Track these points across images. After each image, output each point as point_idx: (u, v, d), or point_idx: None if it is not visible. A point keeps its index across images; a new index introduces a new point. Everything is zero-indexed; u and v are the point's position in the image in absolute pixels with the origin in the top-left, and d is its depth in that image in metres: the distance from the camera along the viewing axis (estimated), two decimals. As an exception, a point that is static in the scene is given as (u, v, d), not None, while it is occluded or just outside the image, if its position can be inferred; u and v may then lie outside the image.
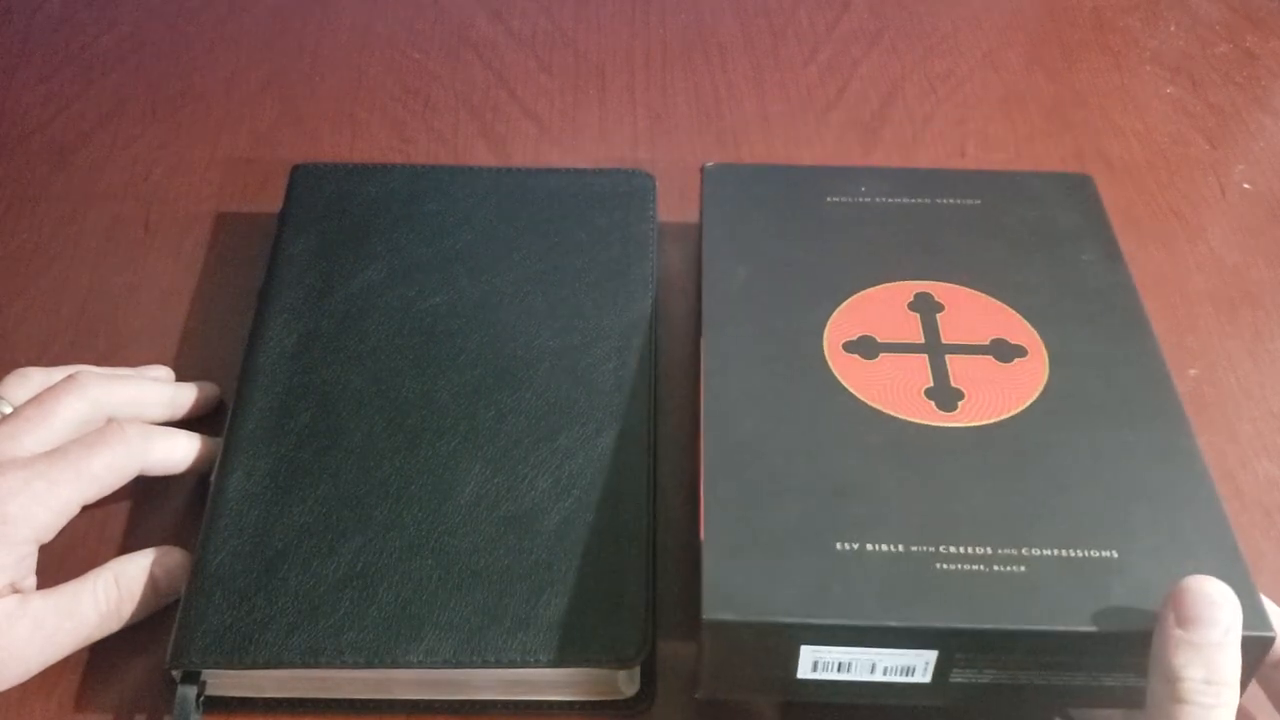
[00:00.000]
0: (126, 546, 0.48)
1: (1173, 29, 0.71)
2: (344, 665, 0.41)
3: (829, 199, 0.54)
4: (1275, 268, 0.59)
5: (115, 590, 0.43)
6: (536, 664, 0.41)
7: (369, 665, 0.41)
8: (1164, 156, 0.64)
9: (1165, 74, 0.69)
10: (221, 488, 0.45)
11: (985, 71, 0.69)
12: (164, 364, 0.53)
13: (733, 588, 0.38)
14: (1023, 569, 0.39)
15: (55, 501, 0.42)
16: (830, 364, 0.46)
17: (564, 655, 0.41)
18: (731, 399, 0.45)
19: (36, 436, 0.44)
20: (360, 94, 0.66)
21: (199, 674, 0.42)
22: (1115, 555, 0.40)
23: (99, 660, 0.45)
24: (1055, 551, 0.40)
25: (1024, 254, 0.51)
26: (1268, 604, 0.39)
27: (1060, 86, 0.68)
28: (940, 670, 0.39)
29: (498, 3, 0.72)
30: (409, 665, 0.41)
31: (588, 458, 0.46)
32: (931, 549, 0.40)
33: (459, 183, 0.56)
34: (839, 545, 0.40)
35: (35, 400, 0.45)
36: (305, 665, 0.41)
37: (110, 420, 0.46)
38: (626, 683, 0.43)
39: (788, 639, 0.38)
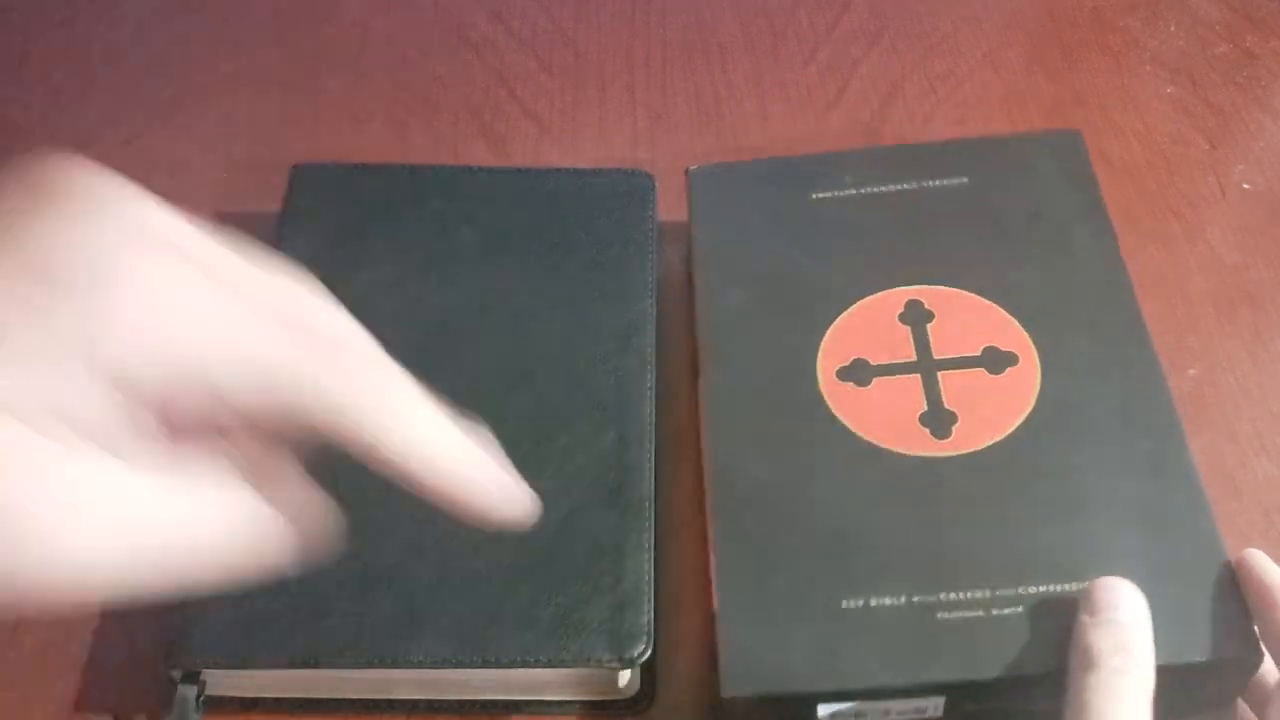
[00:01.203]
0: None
1: (1173, 29, 0.71)
2: (344, 665, 0.41)
3: (814, 195, 0.53)
4: (1275, 268, 0.59)
5: (259, 516, 0.27)
6: (537, 664, 0.41)
7: (369, 665, 0.41)
8: (1164, 156, 0.64)
9: (1165, 74, 0.69)
10: (221, 488, 0.45)
11: (985, 71, 0.69)
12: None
13: (748, 662, 0.40)
14: (1020, 610, 0.40)
15: (236, 334, 0.25)
16: (825, 396, 0.46)
17: (564, 655, 0.41)
18: (732, 450, 0.45)
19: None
20: (360, 94, 0.66)
21: (199, 674, 0.42)
22: None
23: (99, 660, 0.45)
24: (1051, 588, 0.40)
25: (1013, 241, 0.50)
26: None
27: (1060, 86, 0.68)
28: (950, 707, 0.40)
29: (498, 3, 0.72)
30: (409, 665, 0.41)
31: (588, 457, 0.46)
32: (933, 598, 0.40)
33: (459, 183, 0.56)
34: (845, 603, 0.41)
35: None
36: (305, 665, 0.41)
37: None
38: (627, 683, 0.43)
39: (804, 702, 0.40)
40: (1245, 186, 0.63)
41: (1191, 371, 0.55)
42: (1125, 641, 0.37)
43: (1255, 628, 0.40)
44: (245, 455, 0.27)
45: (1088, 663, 0.37)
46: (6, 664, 0.45)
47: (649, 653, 0.42)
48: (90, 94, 0.66)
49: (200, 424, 0.25)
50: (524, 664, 0.41)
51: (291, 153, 0.62)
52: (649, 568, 0.44)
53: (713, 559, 0.42)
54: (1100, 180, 0.55)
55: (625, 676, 0.43)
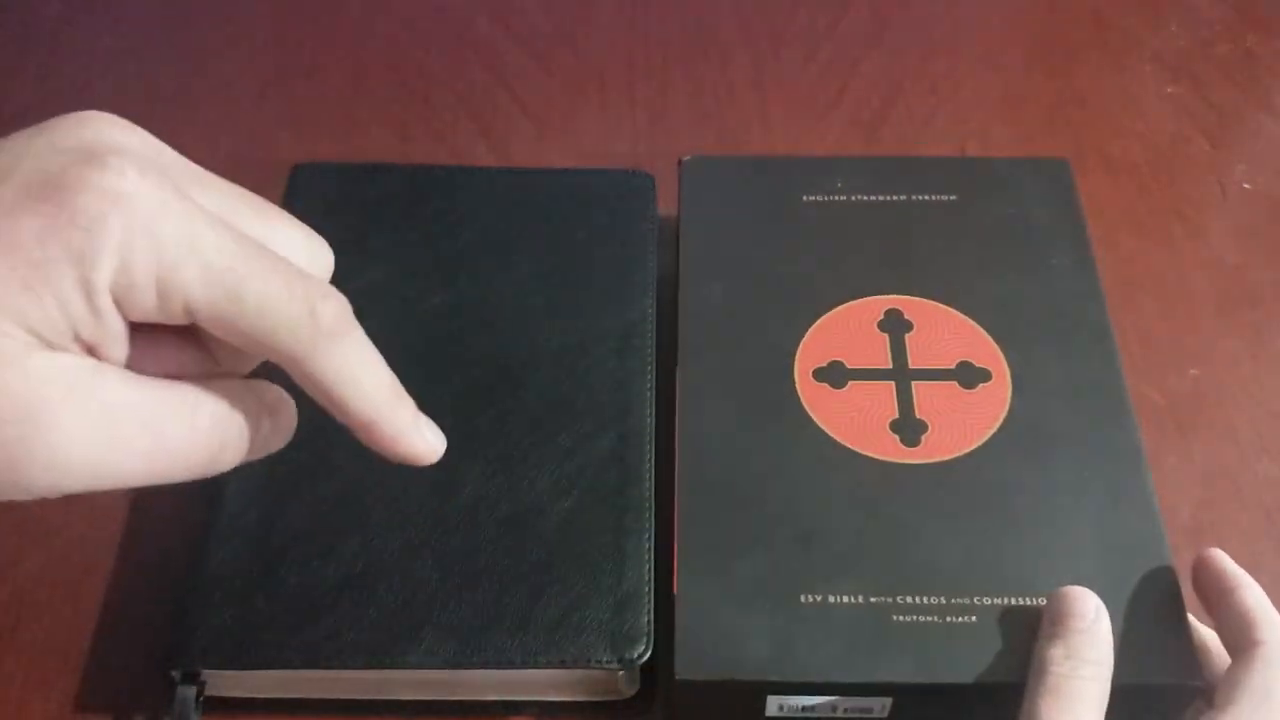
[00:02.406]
0: (124, 546, 0.48)
1: (1173, 28, 0.71)
2: (344, 666, 0.41)
3: (805, 197, 0.54)
4: (1275, 268, 0.59)
5: (230, 415, 0.29)
6: (536, 665, 0.41)
7: (369, 666, 0.41)
8: (1164, 156, 0.64)
9: (1166, 74, 0.69)
10: (221, 487, 0.45)
11: (985, 71, 0.69)
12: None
13: (704, 647, 0.40)
14: (973, 619, 0.41)
15: (211, 248, 0.26)
16: (800, 395, 0.47)
17: (564, 656, 0.41)
18: (705, 438, 0.46)
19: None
20: (360, 94, 0.66)
21: (199, 674, 0.42)
22: None
23: (99, 660, 0.45)
24: (1005, 600, 0.41)
25: (995, 261, 0.52)
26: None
27: (1060, 86, 0.68)
28: (897, 710, 0.41)
29: (498, 3, 0.72)
30: (408, 666, 0.41)
31: (588, 458, 0.46)
32: (889, 600, 0.41)
33: (459, 183, 0.56)
34: (804, 598, 0.42)
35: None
36: (305, 665, 0.41)
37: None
38: (627, 683, 0.43)
39: (755, 691, 0.41)
40: (1246, 186, 0.63)
41: (1192, 371, 0.55)
42: (1076, 649, 0.38)
43: (1208, 631, 0.41)
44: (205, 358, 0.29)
45: (1038, 670, 0.38)
46: (6, 664, 0.45)
47: (649, 654, 0.42)
48: (90, 94, 0.66)
49: (162, 326, 0.27)
50: (524, 665, 0.41)
51: (291, 153, 0.62)
52: (649, 568, 0.44)
53: (677, 544, 0.43)
54: (1100, 180, 0.56)
55: (625, 677, 0.43)
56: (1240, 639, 0.39)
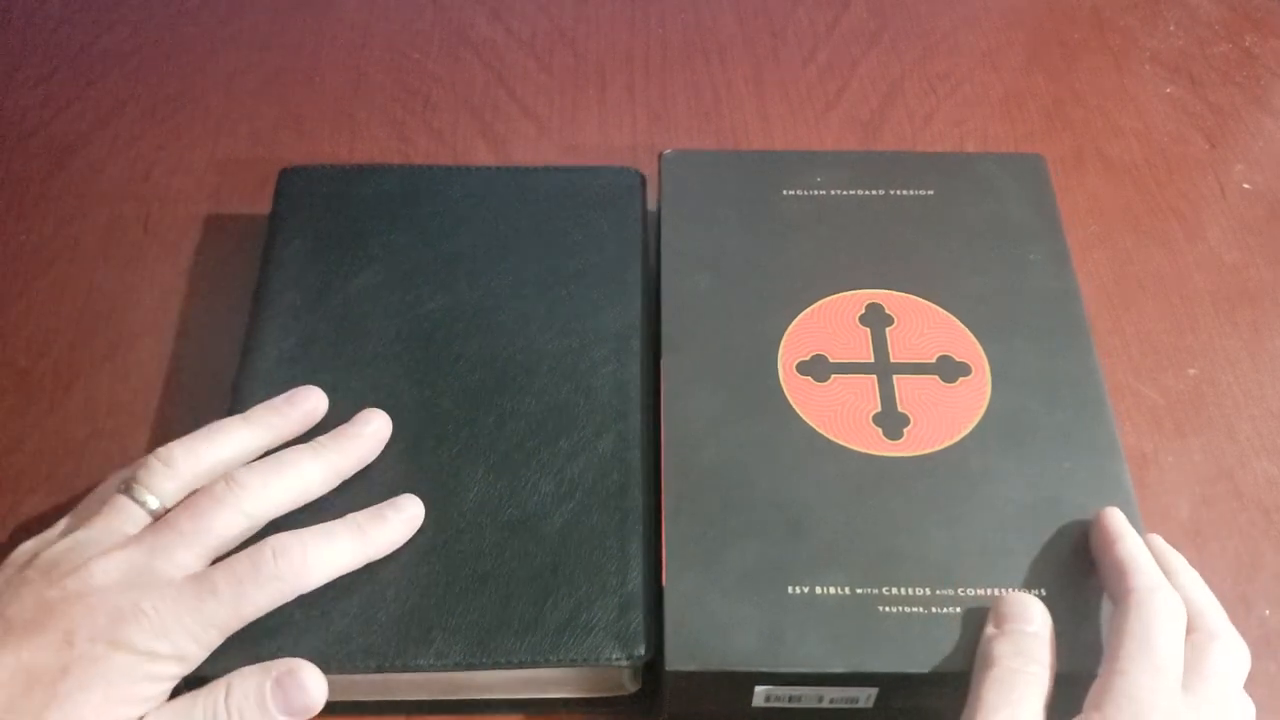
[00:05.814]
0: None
1: (1172, 28, 0.71)
2: (354, 671, 0.41)
3: (785, 191, 0.54)
4: (1275, 267, 0.59)
5: (223, 711, 0.39)
6: (545, 664, 0.41)
7: (380, 670, 0.41)
8: (1164, 156, 0.64)
9: (1165, 73, 0.69)
10: (224, 490, 0.45)
11: (985, 71, 0.69)
12: (163, 362, 0.53)
13: (693, 638, 0.41)
14: (958, 610, 0.42)
15: (206, 638, 0.39)
16: (784, 388, 0.48)
17: (571, 655, 0.41)
18: (690, 430, 0.46)
19: (192, 553, 0.40)
20: (360, 94, 0.66)
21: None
22: (1044, 593, 0.42)
23: (102, 662, 0.45)
24: (989, 590, 0.42)
25: (973, 257, 0.52)
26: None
27: (1060, 86, 0.68)
28: (882, 700, 0.42)
29: (498, 3, 0.72)
30: (420, 669, 0.41)
31: (589, 460, 0.46)
32: (875, 590, 0.42)
33: (451, 182, 0.55)
34: (790, 589, 0.42)
35: (189, 509, 0.41)
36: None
37: (265, 544, 0.41)
38: (630, 680, 0.43)
39: (743, 682, 0.41)
40: (1245, 186, 0.63)
41: (1191, 371, 0.55)
42: (1026, 648, 0.39)
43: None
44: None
45: (987, 662, 0.39)
46: (9, 666, 0.45)
47: (652, 651, 0.42)
48: (90, 94, 0.65)
49: None
50: (533, 664, 0.41)
51: (291, 153, 0.62)
52: (651, 568, 0.44)
53: (664, 536, 0.43)
54: (1100, 180, 0.56)
55: (628, 674, 0.43)
56: (1116, 588, 0.40)
